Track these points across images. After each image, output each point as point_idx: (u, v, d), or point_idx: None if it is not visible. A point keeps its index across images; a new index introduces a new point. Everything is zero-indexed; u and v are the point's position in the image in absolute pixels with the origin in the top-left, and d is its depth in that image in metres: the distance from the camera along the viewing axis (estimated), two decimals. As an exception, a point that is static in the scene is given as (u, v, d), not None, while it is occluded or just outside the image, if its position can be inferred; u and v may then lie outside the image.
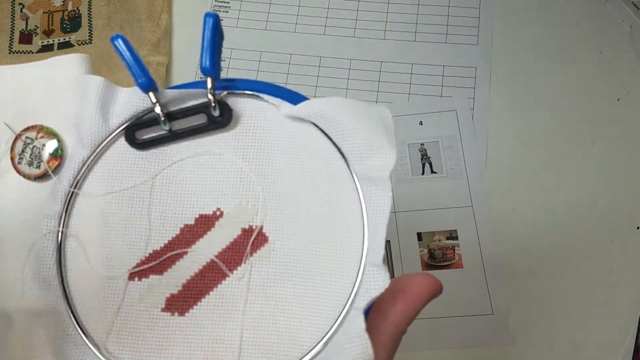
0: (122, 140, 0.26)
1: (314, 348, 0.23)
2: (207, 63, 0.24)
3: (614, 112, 0.51)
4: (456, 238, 0.48)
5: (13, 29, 0.57)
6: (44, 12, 0.57)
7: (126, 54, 0.24)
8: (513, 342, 0.45)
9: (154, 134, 0.26)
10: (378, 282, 0.23)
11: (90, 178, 0.26)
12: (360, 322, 0.22)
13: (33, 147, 0.26)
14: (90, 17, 0.57)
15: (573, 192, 0.49)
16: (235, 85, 0.26)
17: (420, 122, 0.51)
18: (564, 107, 0.51)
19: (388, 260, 0.47)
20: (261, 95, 0.26)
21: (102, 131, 0.26)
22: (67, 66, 0.27)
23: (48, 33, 0.57)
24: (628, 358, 0.44)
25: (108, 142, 0.26)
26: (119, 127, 0.26)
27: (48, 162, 0.26)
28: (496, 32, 0.54)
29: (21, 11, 0.57)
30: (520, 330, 0.45)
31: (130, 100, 0.26)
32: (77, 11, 0.57)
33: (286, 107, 0.26)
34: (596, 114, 0.51)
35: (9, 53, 0.56)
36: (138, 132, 0.26)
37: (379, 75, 0.54)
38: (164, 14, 0.54)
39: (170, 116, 0.26)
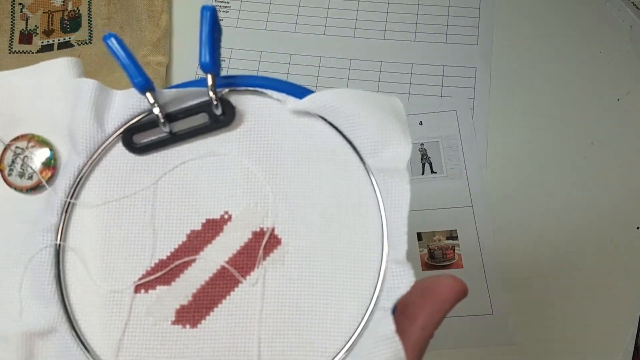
0: (119, 146, 0.25)
1: (337, 354, 0.22)
2: (207, 58, 0.23)
3: (614, 112, 0.51)
4: (456, 238, 0.48)
5: (13, 29, 0.57)
6: (44, 12, 0.57)
7: (120, 53, 0.23)
8: (513, 343, 0.45)
9: (153, 137, 0.25)
10: (402, 279, 0.21)
11: (87, 187, 0.24)
12: (389, 323, 0.21)
13: (24, 157, 0.25)
14: (90, 17, 0.57)
15: (573, 192, 0.49)
16: (236, 82, 0.25)
17: (420, 122, 0.51)
18: (563, 107, 0.51)
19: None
20: (264, 90, 0.25)
21: (97, 136, 0.24)
22: (57, 71, 0.25)
23: (48, 33, 0.57)
24: (628, 358, 0.44)
25: (105, 147, 0.24)
26: (116, 131, 0.24)
27: (41, 172, 0.24)
28: (496, 32, 0.54)
29: (21, 11, 0.57)
30: (520, 331, 0.45)
31: (127, 103, 0.24)
32: (77, 11, 0.57)
33: (291, 101, 0.25)
34: (596, 114, 0.51)
35: (9, 53, 0.56)
36: (136, 136, 0.25)
37: (379, 75, 0.54)
38: (164, 14, 0.54)
39: (170, 117, 0.24)
